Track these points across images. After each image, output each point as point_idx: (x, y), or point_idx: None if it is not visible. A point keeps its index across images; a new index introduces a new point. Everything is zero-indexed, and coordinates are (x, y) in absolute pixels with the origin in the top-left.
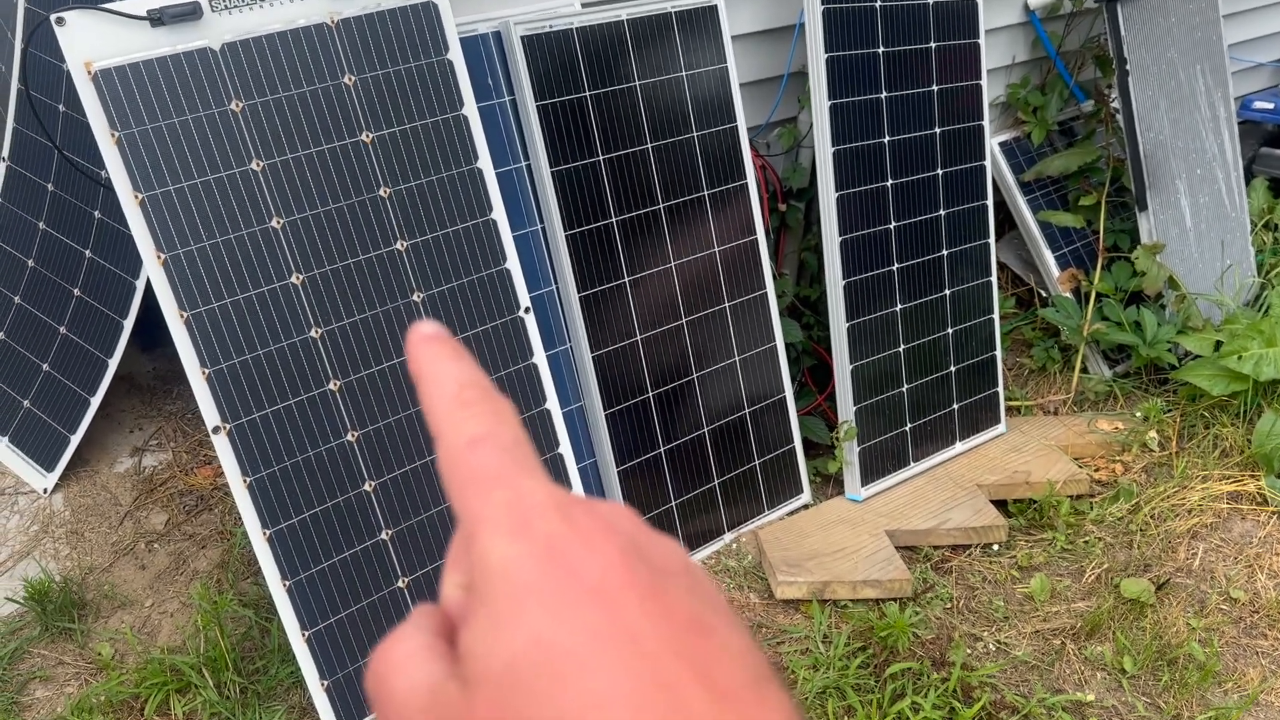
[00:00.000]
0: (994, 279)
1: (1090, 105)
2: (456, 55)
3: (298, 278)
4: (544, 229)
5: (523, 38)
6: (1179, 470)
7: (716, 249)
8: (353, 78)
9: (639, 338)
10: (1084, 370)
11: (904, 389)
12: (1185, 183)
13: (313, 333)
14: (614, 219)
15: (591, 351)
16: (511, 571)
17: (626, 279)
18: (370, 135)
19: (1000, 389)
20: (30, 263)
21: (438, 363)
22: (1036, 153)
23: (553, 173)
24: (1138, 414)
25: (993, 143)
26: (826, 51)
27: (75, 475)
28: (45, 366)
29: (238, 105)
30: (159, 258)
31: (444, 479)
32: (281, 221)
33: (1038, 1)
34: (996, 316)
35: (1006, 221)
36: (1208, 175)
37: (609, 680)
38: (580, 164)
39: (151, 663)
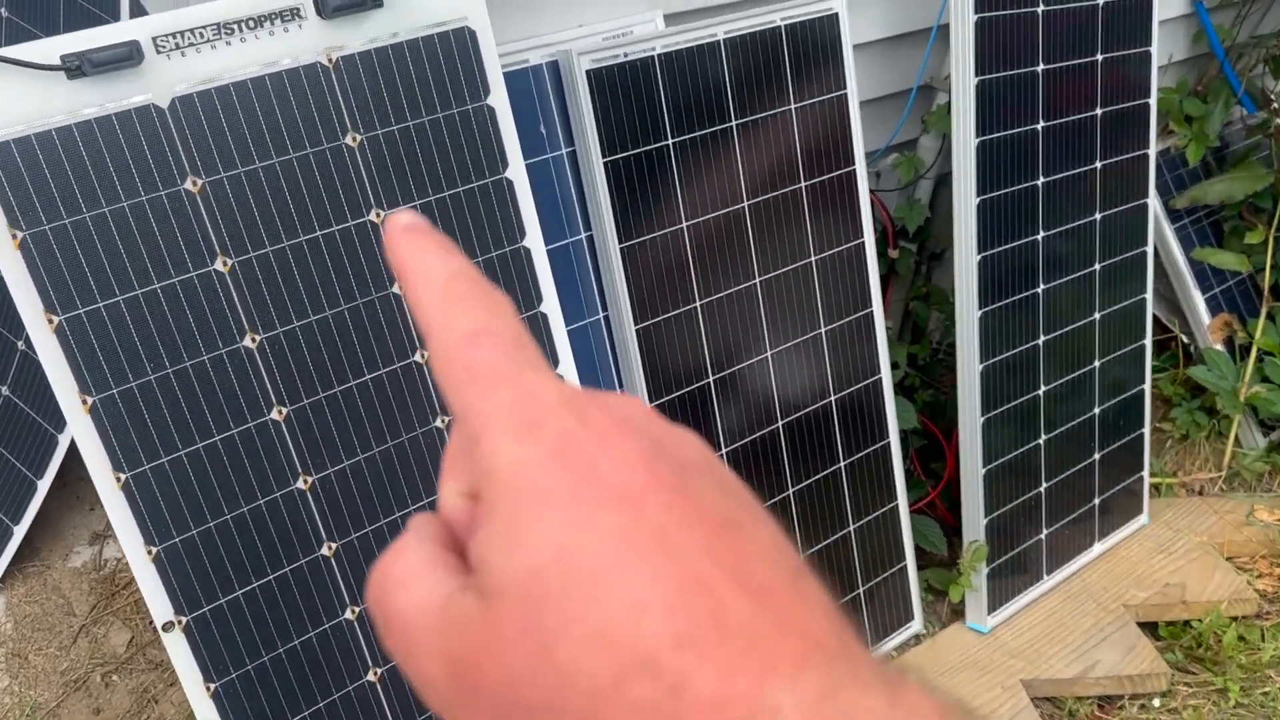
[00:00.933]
0: (1149, 341)
1: (1260, 117)
2: (500, 99)
3: (279, 413)
4: (608, 318)
5: (589, 72)
6: None
7: (823, 328)
8: (358, 137)
9: (724, 450)
10: (1235, 441)
11: (1042, 489)
12: None
13: (300, 484)
14: (698, 302)
15: None
16: (525, 476)
17: (710, 378)
18: (381, 215)
19: (1146, 473)
20: None
21: (422, 255)
22: (1187, 172)
23: (622, 249)
24: None
25: None
26: (978, 74)
27: (21, 571)
28: None
29: (195, 184)
30: (84, 402)
31: (439, 378)
32: (258, 339)
33: None
34: (1148, 386)
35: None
36: None
37: (641, 585)
38: (657, 234)
39: None
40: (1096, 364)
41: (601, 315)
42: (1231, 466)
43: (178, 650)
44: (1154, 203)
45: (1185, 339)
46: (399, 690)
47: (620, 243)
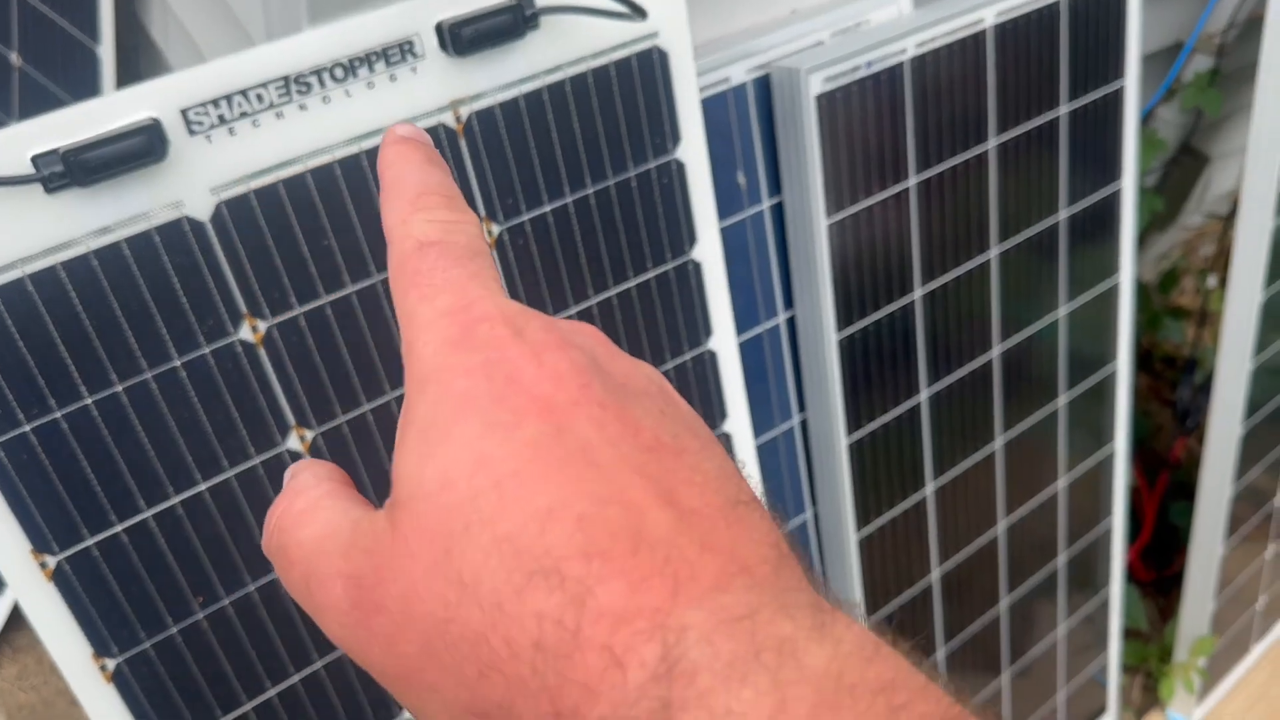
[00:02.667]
0: None
1: None
2: (693, 149)
3: None
4: (806, 425)
5: (819, 97)
6: None
7: (1061, 401)
8: (496, 229)
9: (935, 575)
10: None
11: (1266, 554)
12: None
13: None
14: (923, 395)
15: (866, 597)
16: (448, 382)
17: (929, 489)
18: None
19: None
20: None
21: (405, 164)
22: None
23: (841, 340)
24: None
25: None
26: None
27: (12, 644)
28: None
29: (255, 330)
30: (103, 669)
31: (391, 285)
32: None
33: None
34: None
35: None
36: None
37: (555, 493)
38: (884, 313)
39: None
40: None
41: (797, 420)
42: None
43: None
44: None
45: None
46: None
47: (840, 330)
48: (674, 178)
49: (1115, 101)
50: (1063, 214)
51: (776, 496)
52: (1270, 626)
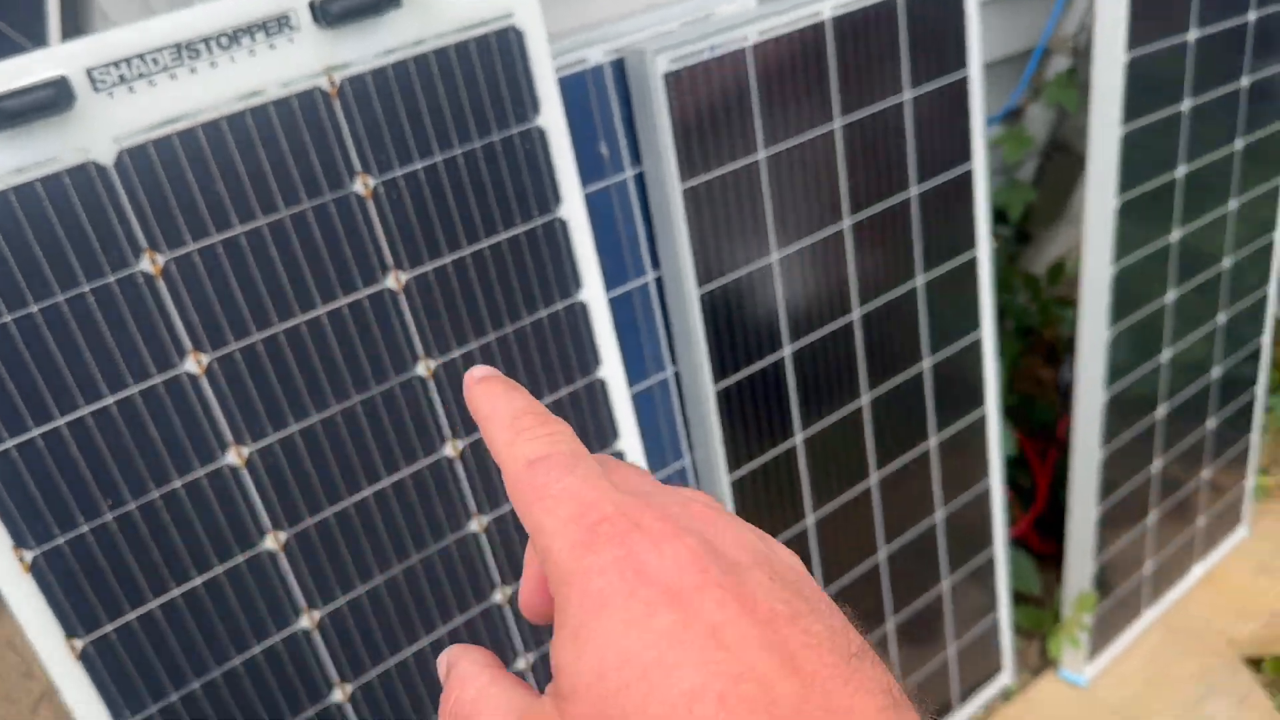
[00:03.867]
0: (1268, 340)
1: None
2: (552, 116)
3: (276, 538)
4: (679, 376)
5: (667, 75)
6: None
7: (926, 363)
8: (370, 182)
9: (809, 520)
10: None
11: (1148, 519)
12: None
13: (336, 695)
14: (786, 350)
15: None
16: (584, 583)
17: (799, 438)
18: (403, 278)
19: (1251, 479)
20: None
21: (492, 400)
22: None
23: (702, 295)
24: None
25: None
26: (1131, 49)
27: None
28: None
29: (155, 262)
30: (22, 559)
31: (514, 504)
32: (245, 452)
33: None
34: (1261, 389)
35: None
36: None
37: (694, 676)
38: (743, 273)
39: None
40: (1215, 372)
41: (671, 371)
42: None
43: None
44: None
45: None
46: None
47: (700, 286)
48: (535, 143)
49: (960, 90)
50: (914, 190)
51: (654, 443)
52: (1162, 591)
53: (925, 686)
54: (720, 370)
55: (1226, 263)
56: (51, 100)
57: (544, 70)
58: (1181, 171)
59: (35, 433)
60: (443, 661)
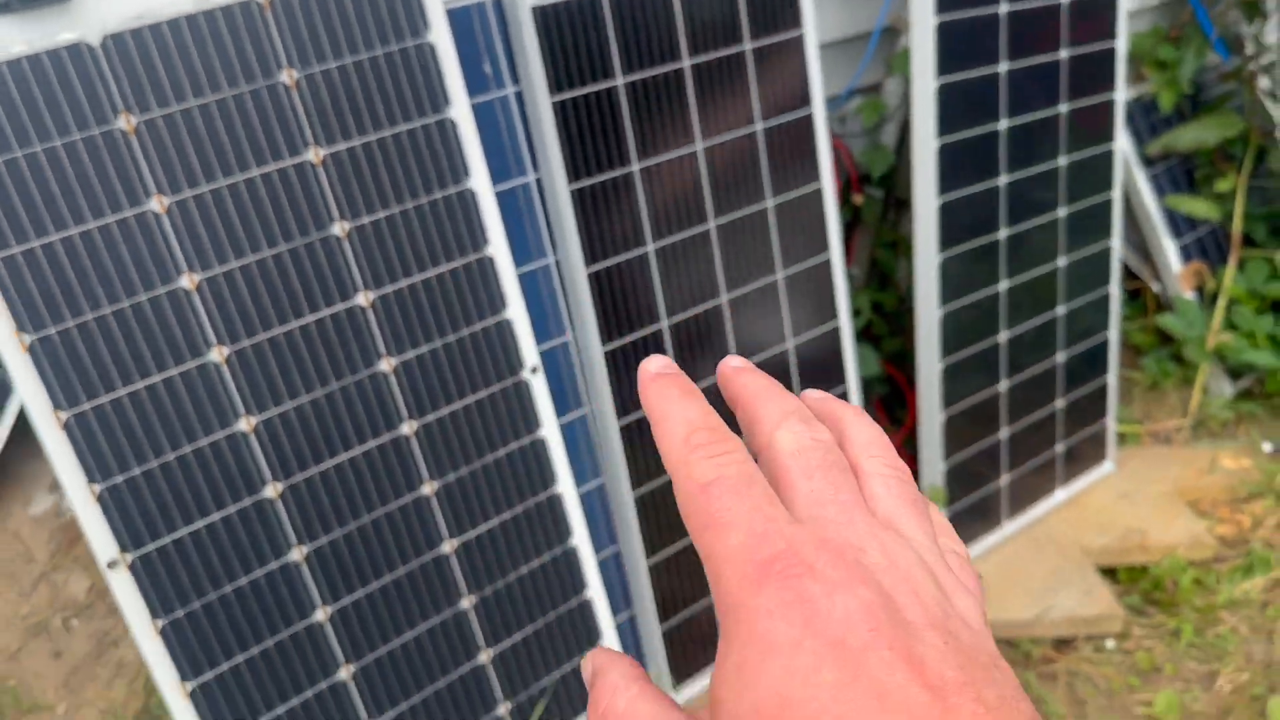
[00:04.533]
0: (1116, 289)
1: (1235, 63)
2: (441, 36)
3: (220, 353)
4: (559, 263)
5: (535, 9)
6: None
7: (780, 275)
8: (295, 74)
9: None
10: (1203, 390)
11: (1002, 435)
12: None
13: (242, 425)
14: (650, 246)
15: (619, 418)
16: (751, 623)
17: (665, 322)
18: (321, 153)
19: (1112, 420)
20: None
21: (666, 403)
22: (1160, 119)
23: (572, 191)
24: (1266, 448)
25: None
26: (939, 13)
27: None
28: None
29: (129, 122)
30: (21, 342)
31: (685, 522)
32: (197, 279)
33: None
34: (1114, 334)
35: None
36: None
37: None
38: (608, 176)
39: None
40: (1060, 310)
41: (553, 259)
42: (1198, 415)
43: (124, 588)
44: (1124, 147)
45: (1156, 288)
46: (348, 628)
47: (570, 183)
48: (427, 55)
49: (797, 45)
50: (760, 126)
51: (539, 319)
52: (1023, 506)
53: None
54: (591, 257)
55: (1062, 211)
56: None
57: (433, 1)
58: (1004, 124)
59: (36, 243)
60: (588, 665)
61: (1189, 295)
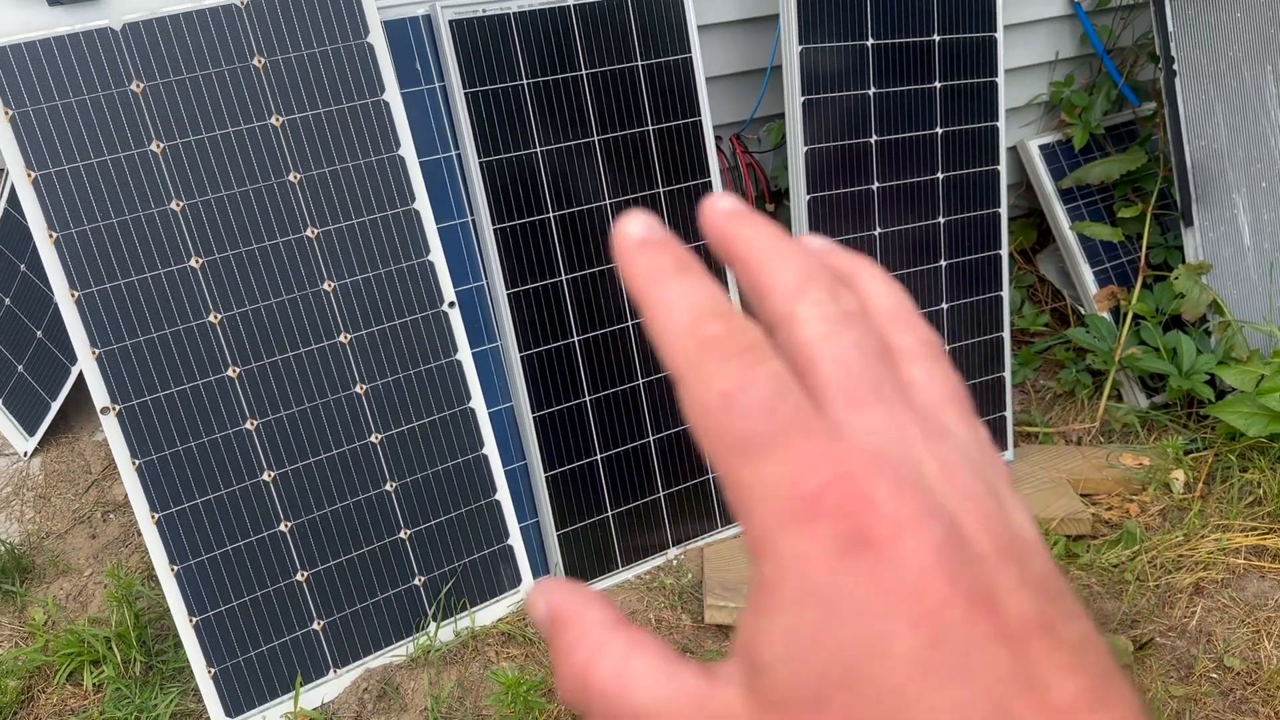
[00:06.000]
0: (1004, 294)
1: (1149, 108)
2: (377, 39)
3: (197, 261)
4: (474, 222)
5: (451, 22)
6: (1194, 515)
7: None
8: (263, 60)
9: (575, 338)
10: (1118, 399)
11: None
12: (1245, 197)
13: (211, 318)
14: (550, 214)
15: (520, 351)
16: (806, 574)
17: (564, 276)
18: (280, 119)
19: (1009, 413)
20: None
21: (661, 283)
22: (1081, 158)
23: (481, 164)
24: (1168, 450)
25: (1031, 145)
26: (801, 43)
27: (56, 440)
28: (39, 333)
29: (138, 86)
30: (50, 236)
31: (695, 434)
32: (182, 204)
33: None
34: (1006, 334)
35: (1050, 231)
36: (1275, 189)
37: (931, 706)
38: (513, 155)
39: (69, 633)
40: (944, 306)
41: (470, 219)
42: (1106, 421)
43: (112, 430)
44: (1006, 171)
45: (1079, 309)
46: (287, 491)
47: (480, 158)
48: (368, 52)
49: (685, 65)
50: (651, 127)
51: (457, 266)
52: None
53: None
54: (499, 217)
55: (941, 220)
56: None
57: (372, 13)
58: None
59: (65, 166)
60: (541, 602)
61: (1104, 315)
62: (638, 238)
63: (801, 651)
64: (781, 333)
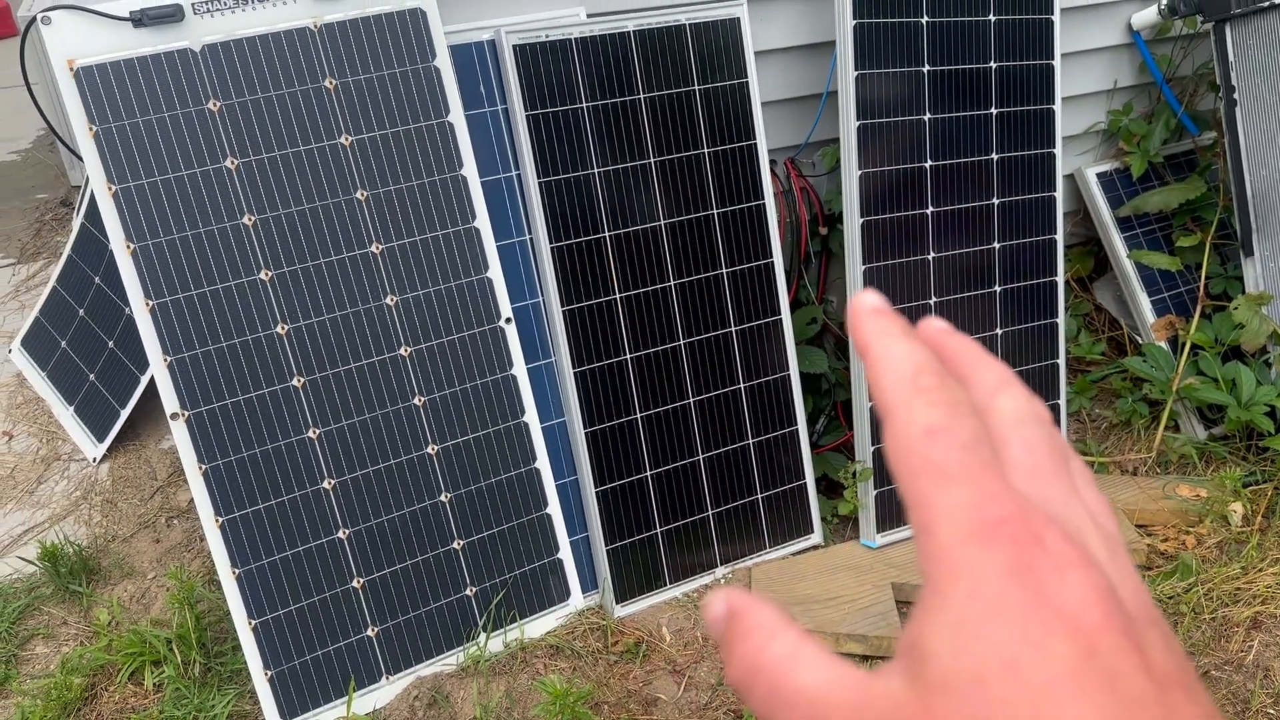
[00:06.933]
0: (1060, 321)
1: (1209, 137)
2: (444, 62)
3: (266, 274)
4: (531, 241)
5: (515, 46)
6: (1252, 547)
7: (724, 269)
8: (334, 81)
9: (628, 356)
10: (1175, 429)
11: None
12: None
13: (279, 329)
14: (606, 233)
15: (574, 367)
16: (979, 580)
17: (618, 294)
18: (349, 138)
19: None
20: (109, 248)
21: (887, 339)
22: (1140, 186)
23: (540, 184)
24: (1226, 482)
25: (1089, 173)
26: (857, 69)
27: (124, 447)
28: (110, 343)
29: (215, 105)
30: (128, 247)
31: (893, 465)
32: (253, 219)
33: (1141, 21)
34: (1062, 361)
35: (1108, 260)
36: None
37: (1080, 712)
38: (571, 176)
39: (132, 633)
40: (999, 331)
41: (528, 237)
42: (1162, 452)
43: (181, 436)
44: (1062, 199)
45: (1136, 338)
46: (346, 498)
47: (539, 178)
48: (435, 74)
49: (742, 90)
50: (707, 150)
51: (514, 283)
52: None
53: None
54: (556, 236)
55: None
56: (172, 13)
57: (439, 36)
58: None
59: (144, 180)
60: (720, 603)
61: (1162, 344)
62: (873, 306)
63: (966, 641)
64: (982, 418)
